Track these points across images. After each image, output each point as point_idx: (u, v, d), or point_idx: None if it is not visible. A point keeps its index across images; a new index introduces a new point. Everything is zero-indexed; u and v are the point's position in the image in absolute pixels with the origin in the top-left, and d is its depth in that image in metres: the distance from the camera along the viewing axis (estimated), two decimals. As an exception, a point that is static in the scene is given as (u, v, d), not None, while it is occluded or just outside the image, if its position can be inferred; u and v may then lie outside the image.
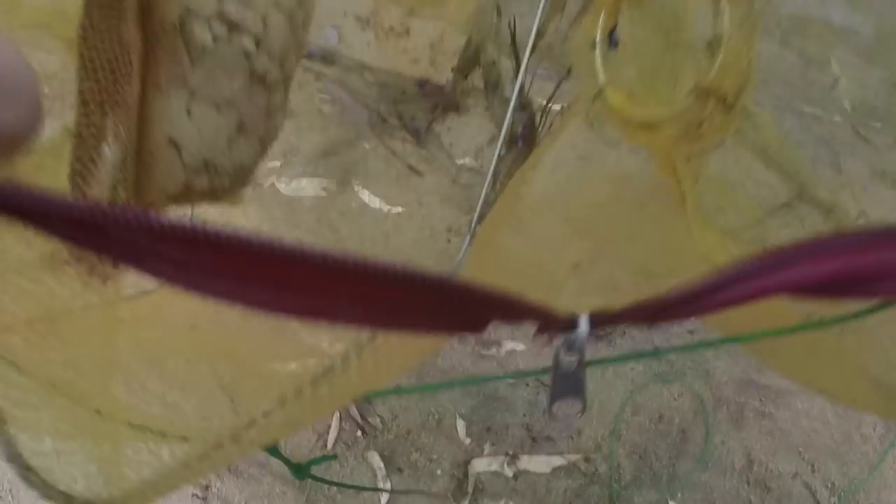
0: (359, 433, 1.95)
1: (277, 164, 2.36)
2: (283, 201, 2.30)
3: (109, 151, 0.64)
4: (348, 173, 2.36)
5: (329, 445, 1.93)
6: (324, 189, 2.34)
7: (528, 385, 2.04)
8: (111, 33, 0.61)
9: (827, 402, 2.07)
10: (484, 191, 1.63)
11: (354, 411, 1.96)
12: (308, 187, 2.34)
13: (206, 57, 0.70)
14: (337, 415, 1.95)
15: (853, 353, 0.77)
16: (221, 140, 0.73)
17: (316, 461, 0.82)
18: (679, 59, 0.88)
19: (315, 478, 0.83)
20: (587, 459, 1.95)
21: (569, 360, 0.59)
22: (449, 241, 2.25)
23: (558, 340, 0.57)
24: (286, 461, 0.77)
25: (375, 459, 1.92)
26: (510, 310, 0.48)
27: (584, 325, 0.52)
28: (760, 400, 2.07)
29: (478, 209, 1.66)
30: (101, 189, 0.64)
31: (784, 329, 0.70)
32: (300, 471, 0.81)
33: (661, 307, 0.50)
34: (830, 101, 1.87)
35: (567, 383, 0.61)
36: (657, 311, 0.51)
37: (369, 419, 1.96)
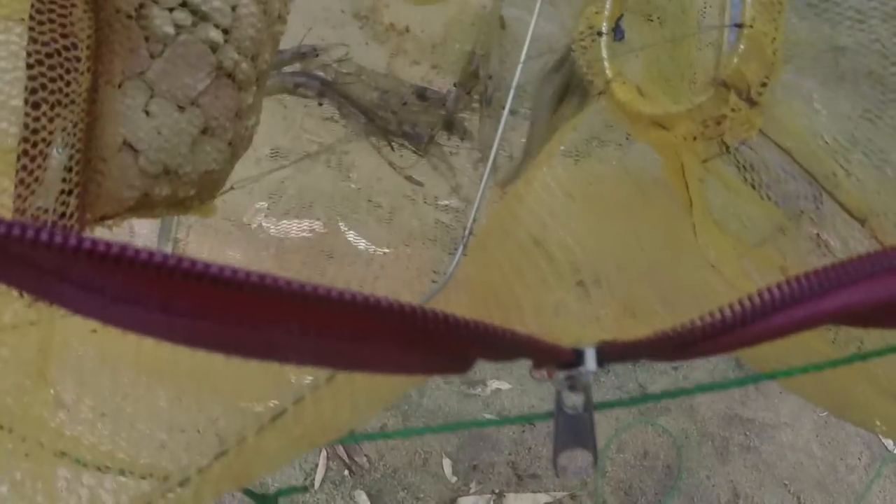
0: (346, 472, 1.87)
1: (264, 204, 2.29)
2: (269, 242, 2.22)
3: (57, 156, 0.54)
4: (335, 214, 2.29)
5: (316, 485, 1.85)
6: (310, 231, 2.26)
7: (513, 423, 1.97)
8: (55, 22, 0.51)
9: (812, 434, 2.02)
10: (479, 195, 1.53)
11: (341, 450, 1.89)
12: (294, 228, 2.27)
13: (168, 49, 0.61)
14: (324, 454, 1.88)
15: (877, 374, 0.67)
16: (184, 143, 0.64)
17: (284, 492, 0.72)
18: (685, 52, 0.80)
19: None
20: (573, 496, 1.87)
21: (573, 400, 0.49)
22: (434, 281, 2.19)
23: (559, 376, 0.47)
24: (251, 493, 0.67)
25: (362, 498, 1.84)
26: (502, 346, 0.39)
27: (590, 361, 0.43)
28: (745, 434, 2.01)
29: (472, 215, 1.57)
30: (46, 198, 0.54)
31: (826, 363, 0.60)
32: (267, 502, 0.71)
33: (685, 341, 0.40)
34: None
35: (573, 429, 0.51)
36: (680, 345, 0.41)
37: (356, 458, 1.89)
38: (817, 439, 2.00)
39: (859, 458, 1.98)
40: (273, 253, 2.20)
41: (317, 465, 1.87)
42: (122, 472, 0.50)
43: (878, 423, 0.77)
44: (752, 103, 0.73)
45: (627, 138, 0.91)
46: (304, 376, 0.45)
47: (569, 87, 1.57)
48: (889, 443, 1.99)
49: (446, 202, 2.35)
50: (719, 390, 1.96)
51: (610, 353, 0.43)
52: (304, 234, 2.26)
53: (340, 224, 2.29)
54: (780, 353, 0.69)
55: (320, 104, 2.15)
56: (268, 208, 2.30)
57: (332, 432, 0.46)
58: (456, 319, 0.35)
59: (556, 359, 0.43)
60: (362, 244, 2.27)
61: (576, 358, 0.43)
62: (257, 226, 2.26)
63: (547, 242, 0.66)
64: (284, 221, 2.27)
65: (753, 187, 0.85)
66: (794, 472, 1.95)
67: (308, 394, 0.44)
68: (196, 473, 0.42)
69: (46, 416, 0.52)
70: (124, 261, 0.28)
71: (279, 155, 2.38)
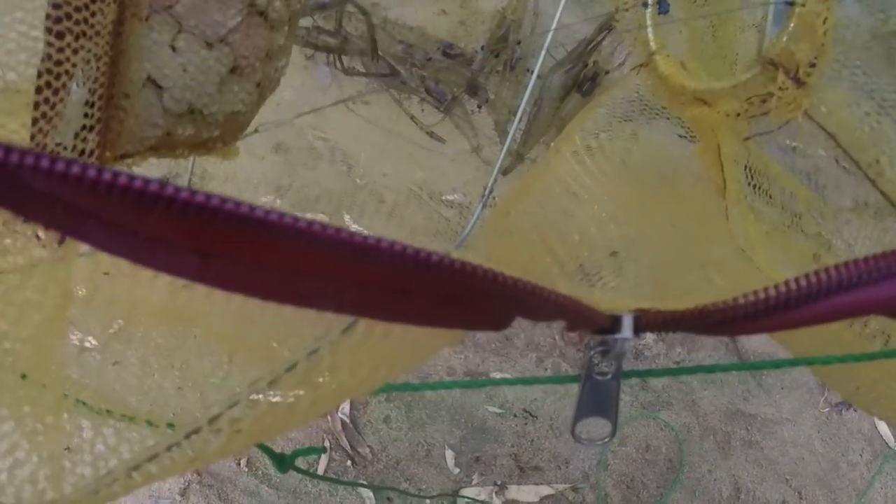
0: (349, 463, 1.85)
1: (270, 198, 2.26)
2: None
3: (77, 90, 0.50)
4: (339, 207, 2.26)
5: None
6: (315, 224, 2.23)
7: (515, 416, 1.94)
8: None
9: (814, 431, 2.00)
10: (500, 159, 1.49)
11: (344, 441, 1.86)
12: (300, 222, 2.24)
13: None
14: (327, 444, 1.86)
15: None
16: (211, 82, 0.60)
17: (300, 452, 0.70)
18: (728, 33, 0.77)
19: (298, 470, 0.71)
20: (575, 489, 1.85)
21: (603, 368, 0.47)
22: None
23: (593, 341, 0.45)
24: (268, 451, 0.64)
25: (365, 489, 1.82)
26: (542, 305, 0.37)
27: (627, 328, 0.41)
28: (747, 429, 1.99)
29: (493, 175, 1.53)
30: (65, 135, 0.51)
31: (851, 356, 0.58)
32: (283, 462, 0.68)
33: (725, 318, 0.39)
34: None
35: (597, 397, 0.49)
36: (719, 321, 0.39)
37: (359, 449, 1.86)
38: (819, 435, 1.99)
39: (861, 455, 1.97)
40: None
41: (319, 456, 1.85)
42: (146, 423, 0.48)
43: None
44: (800, 83, 0.70)
45: (632, 137, 0.89)
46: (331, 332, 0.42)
47: (576, 84, 1.55)
48: (891, 440, 1.98)
49: (450, 197, 2.33)
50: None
51: (647, 322, 0.42)
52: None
53: (346, 218, 2.26)
54: (808, 336, 0.66)
55: (339, 65, 2.08)
56: (273, 202, 2.27)
57: (357, 388, 0.43)
58: (500, 276, 0.33)
59: (594, 323, 0.41)
60: (368, 238, 2.24)
61: (613, 324, 0.42)
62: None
63: (578, 215, 0.64)
64: (290, 216, 2.24)
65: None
66: (796, 467, 1.94)
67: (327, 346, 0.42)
68: (227, 423, 0.39)
69: (66, 363, 0.50)
70: (162, 200, 0.26)
71: (282, 149, 2.36)
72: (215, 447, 0.39)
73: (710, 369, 0.58)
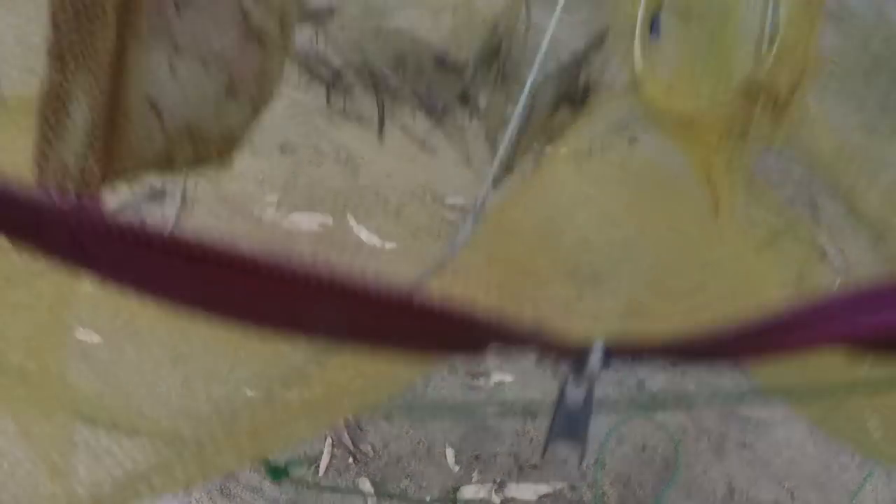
0: (350, 460, 1.86)
1: (276, 197, 2.26)
2: (280, 235, 2.20)
3: (79, 112, 0.51)
4: (344, 207, 2.27)
5: (321, 472, 1.84)
6: (320, 224, 2.24)
7: (515, 415, 1.95)
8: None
9: (806, 433, 2.01)
10: (493, 170, 1.49)
11: (346, 439, 1.88)
12: (305, 221, 2.24)
13: (195, 6, 0.58)
14: (329, 441, 1.87)
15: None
16: (208, 103, 0.61)
17: (295, 463, 0.70)
18: (723, 56, 0.77)
19: (294, 478, 0.72)
20: (573, 487, 1.85)
21: (576, 393, 0.48)
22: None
23: (564, 368, 0.46)
24: (264, 463, 0.65)
25: (366, 486, 1.83)
26: (513, 337, 0.40)
27: (596, 357, 0.42)
28: (741, 430, 2.00)
29: (486, 188, 1.52)
30: (68, 156, 0.51)
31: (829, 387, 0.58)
32: (277, 473, 0.69)
33: (695, 348, 0.39)
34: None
35: (569, 421, 0.49)
36: (689, 351, 0.40)
37: (361, 446, 1.88)
38: (811, 438, 2.00)
39: (853, 458, 1.97)
40: (284, 246, 2.17)
41: (321, 453, 1.86)
42: (145, 434, 0.48)
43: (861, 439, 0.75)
44: (781, 107, 0.70)
45: (630, 143, 0.89)
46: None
47: (566, 96, 1.54)
48: (882, 443, 1.97)
49: (452, 201, 2.34)
50: (724, 402, 1.96)
51: (617, 353, 0.42)
52: (314, 227, 2.24)
53: (349, 218, 2.27)
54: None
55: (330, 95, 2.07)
56: (278, 201, 2.27)
57: (347, 406, 0.44)
58: (472, 314, 0.34)
59: (566, 353, 0.43)
60: (371, 238, 2.25)
61: (582, 354, 0.42)
62: (268, 218, 2.23)
63: (576, 218, 0.65)
64: (295, 215, 2.25)
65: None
66: (789, 469, 1.95)
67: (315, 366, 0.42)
68: (213, 441, 0.40)
69: (71, 363, 0.50)
70: (156, 242, 0.27)
71: (287, 149, 2.37)
72: (210, 465, 0.39)
73: (692, 401, 0.58)
